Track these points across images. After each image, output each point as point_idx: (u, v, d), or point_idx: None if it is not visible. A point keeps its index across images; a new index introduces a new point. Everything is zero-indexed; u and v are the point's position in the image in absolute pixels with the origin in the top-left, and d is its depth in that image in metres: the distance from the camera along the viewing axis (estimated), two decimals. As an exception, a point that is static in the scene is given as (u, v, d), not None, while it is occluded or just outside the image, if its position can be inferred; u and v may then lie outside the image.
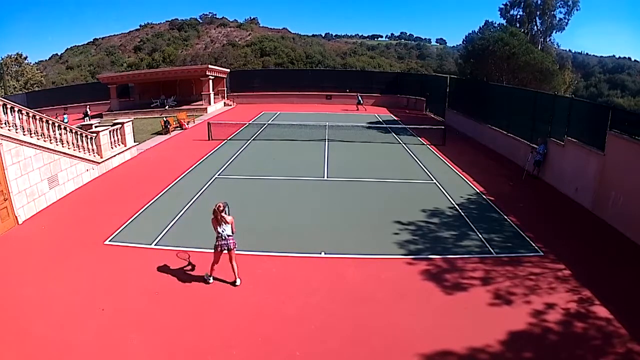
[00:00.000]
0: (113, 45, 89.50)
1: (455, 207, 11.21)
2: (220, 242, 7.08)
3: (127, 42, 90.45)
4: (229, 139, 19.78)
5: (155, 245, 8.81)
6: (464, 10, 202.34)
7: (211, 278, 7.36)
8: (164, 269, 7.86)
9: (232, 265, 7.26)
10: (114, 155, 15.13)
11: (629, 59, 76.08)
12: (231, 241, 7.13)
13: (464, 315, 6.53)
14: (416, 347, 5.78)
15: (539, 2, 28.77)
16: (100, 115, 29.47)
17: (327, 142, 18.99)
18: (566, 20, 28.92)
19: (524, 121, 16.01)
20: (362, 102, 32.67)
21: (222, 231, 7.06)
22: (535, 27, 29.58)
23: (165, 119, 22.59)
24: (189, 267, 7.87)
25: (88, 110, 30.29)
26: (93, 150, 13.88)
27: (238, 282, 7.30)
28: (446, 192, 12.45)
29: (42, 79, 51.07)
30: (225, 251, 7.12)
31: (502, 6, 30.38)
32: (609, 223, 10.14)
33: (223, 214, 7.07)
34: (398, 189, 12.78)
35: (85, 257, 8.32)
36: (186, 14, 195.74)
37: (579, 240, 9.43)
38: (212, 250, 7.25)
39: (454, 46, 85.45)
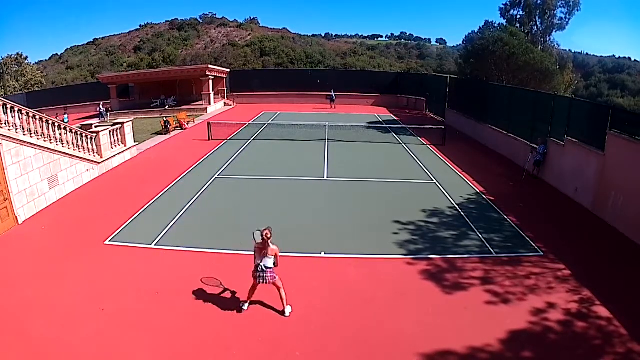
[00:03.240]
0: (113, 45, 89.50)
1: (455, 207, 11.21)
2: (255, 274, 6.29)
3: (127, 42, 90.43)
4: (229, 139, 19.78)
5: (155, 245, 8.81)
6: (464, 10, 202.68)
7: (246, 304, 6.62)
8: (164, 269, 7.86)
9: (280, 294, 6.48)
10: (114, 155, 15.13)
11: (629, 59, 76.20)
12: (269, 274, 6.23)
13: (464, 315, 6.54)
14: (416, 347, 5.78)
15: (539, 1, 28.72)
16: (100, 116, 29.42)
17: (327, 142, 18.99)
18: (567, 20, 28.87)
19: (524, 121, 16.02)
20: (334, 99, 32.19)
21: (260, 262, 6.21)
22: (536, 27, 29.54)
23: (165, 119, 22.58)
24: (225, 293, 6.99)
25: (102, 107, 29.84)
26: (93, 150, 13.88)
27: (288, 311, 6.48)
28: (446, 192, 12.45)
29: (42, 79, 51.01)
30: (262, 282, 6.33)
31: (502, 6, 30.35)
32: (609, 223, 10.14)
33: (270, 242, 6.16)
34: (398, 189, 12.78)
35: (85, 257, 8.32)
36: (186, 14, 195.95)
37: (578, 240, 9.43)
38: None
39: (454, 46, 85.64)
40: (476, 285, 7.38)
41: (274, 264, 6.28)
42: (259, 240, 6.21)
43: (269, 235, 6.16)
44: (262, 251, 6.18)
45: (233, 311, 6.61)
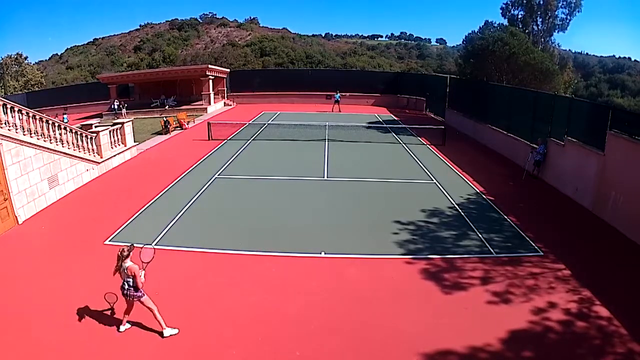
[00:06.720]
0: (113, 45, 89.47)
1: (455, 207, 11.21)
2: (122, 291, 5.97)
3: (127, 42, 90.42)
4: (229, 139, 19.78)
5: (155, 245, 8.76)
6: (464, 10, 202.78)
7: (122, 327, 6.16)
8: (164, 269, 7.85)
9: (155, 316, 6.05)
10: (114, 155, 15.13)
11: (629, 59, 76.29)
12: (132, 293, 5.90)
13: (463, 315, 6.54)
14: (417, 347, 5.78)
15: (541, 2, 28.67)
16: (100, 115, 29.44)
17: (327, 142, 18.99)
18: (568, 21, 28.82)
19: (524, 121, 16.01)
20: (339, 101, 30.47)
21: (124, 279, 5.91)
22: (536, 27, 29.49)
23: (165, 119, 22.59)
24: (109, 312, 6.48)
25: (116, 103, 29.50)
26: (93, 150, 13.88)
27: (166, 332, 6.00)
28: (446, 192, 12.45)
29: (42, 79, 51.01)
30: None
31: (504, 5, 30.28)
32: (609, 223, 10.14)
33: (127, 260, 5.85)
34: (398, 189, 12.78)
35: (85, 257, 8.32)
36: (186, 14, 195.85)
37: (578, 240, 9.43)
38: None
39: (454, 46, 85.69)
40: (476, 285, 7.38)
41: (135, 284, 5.84)
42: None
43: (124, 253, 5.85)
44: (120, 269, 5.86)
45: (233, 311, 6.62)
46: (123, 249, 5.89)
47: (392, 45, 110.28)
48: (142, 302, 5.98)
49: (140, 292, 5.92)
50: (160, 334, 6.01)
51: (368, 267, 8.02)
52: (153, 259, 6.03)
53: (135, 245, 6.08)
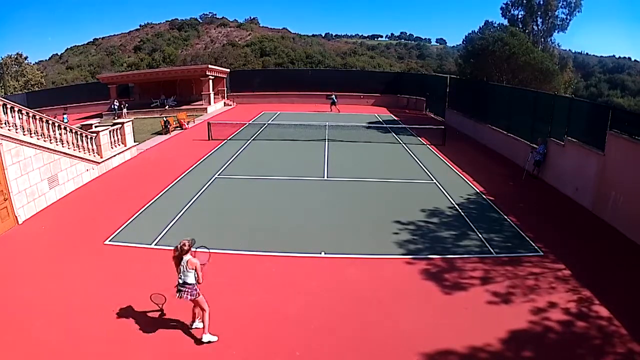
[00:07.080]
0: (113, 45, 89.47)
1: (455, 207, 11.21)
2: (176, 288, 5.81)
3: (127, 42, 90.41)
4: (229, 139, 19.79)
5: (155, 245, 8.80)
6: (464, 10, 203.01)
7: (193, 324, 6.12)
8: (164, 269, 7.84)
9: (202, 317, 5.90)
10: (114, 155, 15.13)
11: (629, 59, 76.31)
12: (188, 290, 5.70)
13: (464, 315, 6.54)
14: (417, 346, 5.78)
15: (541, 2, 28.69)
16: (100, 115, 29.44)
17: (327, 142, 18.99)
18: (568, 21, 28.84)
19: (524, 121, 16.02)
20: (336, 102, 30.59)
21: (180, 277, 5.73)
22: (536, 27, 29.50)
23: (165, 119, 22.60)
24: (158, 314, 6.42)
25: (116, 104, 29.59)
26: (93, 150, 13.88)
27: (206, 339, 5.78)
28: (446, 192, 12.45)
29: (42, 79, 51.01)
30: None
31: (504, 5, 30.28)
32: (609, 223, 10.14)
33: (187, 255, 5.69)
34: (398, 189, 12.78)
35: (85, 257, 8.32)
36: (186, 14, 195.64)
37: (579, 240, 9.43)
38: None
39: (454, 46, 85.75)
40: (476, 285, 7.38)
41: (197, 279, 5.74)
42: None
43: (185, 247, 5.63)
44: (179, 264, 5.70)
45: (233, 311, 6.61)
46: (184, 242, 5.66)
47: (392, 45, 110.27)
48: (197, 301, 5.82)
49: (198, 288, 5.79)
50: (200, 338, 5.81)
51: (368, 267, 8.02)
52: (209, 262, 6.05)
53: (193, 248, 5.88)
